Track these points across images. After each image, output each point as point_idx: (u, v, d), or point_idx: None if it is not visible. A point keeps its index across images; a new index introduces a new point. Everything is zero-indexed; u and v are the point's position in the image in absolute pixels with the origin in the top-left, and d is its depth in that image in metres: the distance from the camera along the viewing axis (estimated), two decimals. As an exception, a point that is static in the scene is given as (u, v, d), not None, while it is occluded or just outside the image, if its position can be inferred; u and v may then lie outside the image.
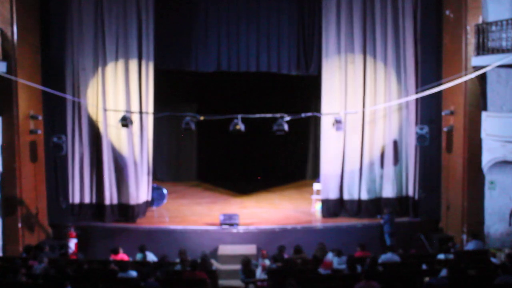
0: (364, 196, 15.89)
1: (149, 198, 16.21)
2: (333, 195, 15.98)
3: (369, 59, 15.64)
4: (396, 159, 15.90)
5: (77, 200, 15.60)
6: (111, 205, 15.57)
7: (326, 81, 15.67)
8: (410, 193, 15.80)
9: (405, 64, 15.54)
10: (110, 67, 15.42)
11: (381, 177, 15.92)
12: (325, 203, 16.05)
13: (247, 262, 11.53)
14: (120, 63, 15.42)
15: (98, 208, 15.64)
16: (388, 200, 15.81)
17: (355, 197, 15.96)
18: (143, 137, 15.75)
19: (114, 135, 15.57)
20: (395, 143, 15.87)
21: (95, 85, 15.46)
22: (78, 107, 15.47)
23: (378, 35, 15.53)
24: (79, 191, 15.59)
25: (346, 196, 15.98)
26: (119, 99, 15.46)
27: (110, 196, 15.52)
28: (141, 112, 15.57)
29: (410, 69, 15.48)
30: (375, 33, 15.54)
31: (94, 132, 15.58)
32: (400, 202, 15.91)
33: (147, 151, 15.87)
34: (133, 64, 15.40)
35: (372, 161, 15.90)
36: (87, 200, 15.65)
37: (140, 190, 15.75)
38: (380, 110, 15.73)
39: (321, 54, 15.64)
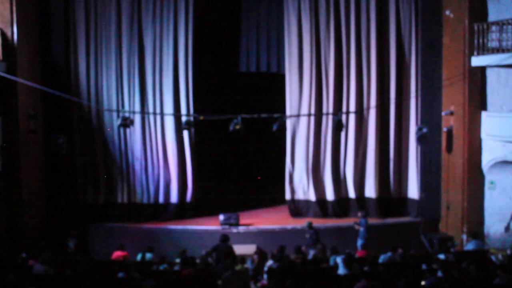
0: (331, 197, 15.88)
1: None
2: (300, 195, 15.94)
3: (362, 60, 15.64)
4: (388, 160, 15.88)
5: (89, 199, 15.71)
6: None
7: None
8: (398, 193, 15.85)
9: (389, 63, 15.56)
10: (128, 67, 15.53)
11: (344, 177, 15.87)
12: (291, 203, 16.00)
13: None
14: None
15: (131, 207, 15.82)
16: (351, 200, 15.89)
17: (322, 197, 15.92)
18: (157, 138, 15.83)
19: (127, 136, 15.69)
20: (387, 144, 15.83)
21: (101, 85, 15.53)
22: (79, 107, 15.51)
23: (372, 34, 15.55)
24: (93, 190, 15.69)
25: (312, 197, 15.92)
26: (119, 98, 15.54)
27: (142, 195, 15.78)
28: (153, 113, 15.59)
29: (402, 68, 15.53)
30: (369, 33, 15.56)
31: (100, 132, 15.68)
32: (379, 202, 15.89)
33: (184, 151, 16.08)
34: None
35: (345, 162, 15.88)
36: (119, 199, 15.82)
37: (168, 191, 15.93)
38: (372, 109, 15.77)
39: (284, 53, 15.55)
